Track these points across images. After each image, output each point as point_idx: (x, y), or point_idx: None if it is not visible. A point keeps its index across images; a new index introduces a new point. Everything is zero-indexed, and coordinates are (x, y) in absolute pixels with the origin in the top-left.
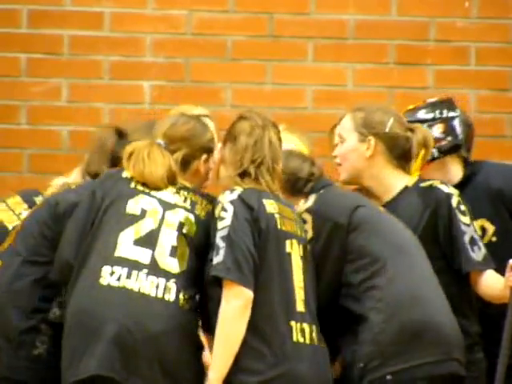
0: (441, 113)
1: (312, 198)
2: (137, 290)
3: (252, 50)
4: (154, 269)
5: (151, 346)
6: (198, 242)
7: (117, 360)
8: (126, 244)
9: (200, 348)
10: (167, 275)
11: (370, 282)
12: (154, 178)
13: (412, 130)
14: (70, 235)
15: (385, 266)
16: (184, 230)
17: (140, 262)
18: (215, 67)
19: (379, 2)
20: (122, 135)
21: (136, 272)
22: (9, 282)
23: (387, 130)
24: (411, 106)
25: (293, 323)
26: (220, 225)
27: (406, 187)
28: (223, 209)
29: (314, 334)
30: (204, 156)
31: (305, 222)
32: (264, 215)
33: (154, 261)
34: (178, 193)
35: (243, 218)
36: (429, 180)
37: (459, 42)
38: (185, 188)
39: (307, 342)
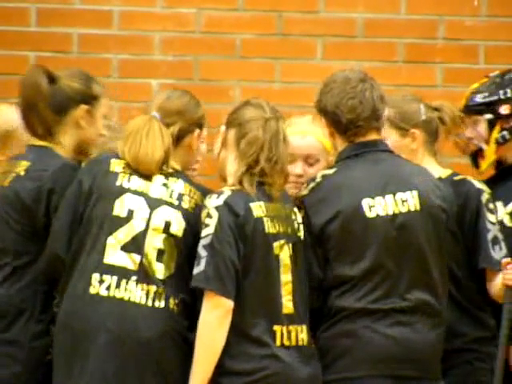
0: (505, 93)
1: (313, 183)
2: (127, 299)
3: (261, 48)
4: (143, 275)
5: (143, 355)
6: (187, 241)
7: (108, 371)
8: (113, 249)
9: (193, 351)
10: (156, 281)
11: (334, 292)
12: (149, 160)
13: (438, 109)
14: (59, 228)
15: (349, 282)
16: (171, 231)
17: (128, 269)
18: (224, 65)
19: (388, 0)
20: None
21: (125, 280)
22: (5, 289)
23: (424, 117)
24: (476, 85)
25: (277, 327)
26: (204, 232)
27: (440, 178)
28: (208, 215)
29: (302, 335)
30: (197, 131)
31: (300, 208)
32: (251, 220)
33: (142, 267)
34: (165, 184)
35: (227, 226)
36: (462, 174)
37: (468, 40)
38: (174, 174)
39: (293, 343)
